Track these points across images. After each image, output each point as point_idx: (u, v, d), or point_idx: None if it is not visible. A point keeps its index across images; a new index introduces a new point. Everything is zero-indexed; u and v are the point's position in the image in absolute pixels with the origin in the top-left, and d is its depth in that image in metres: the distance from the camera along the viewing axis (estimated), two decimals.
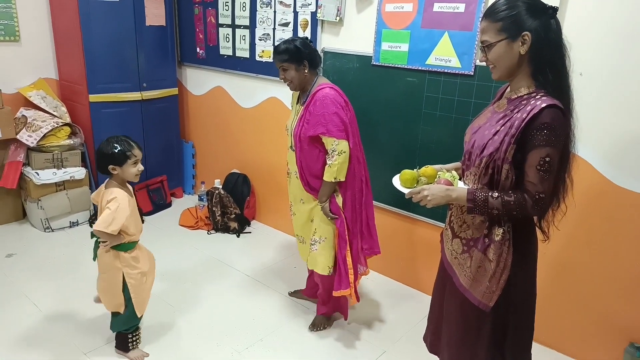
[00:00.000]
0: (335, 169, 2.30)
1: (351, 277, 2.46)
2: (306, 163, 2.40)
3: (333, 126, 2.26)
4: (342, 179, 2.35)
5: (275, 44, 2.32)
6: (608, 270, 2.34)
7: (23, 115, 3.68)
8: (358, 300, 2.55)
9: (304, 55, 2.32)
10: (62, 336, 2.53)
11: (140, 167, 2.22)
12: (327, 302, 2.65)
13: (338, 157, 2.28)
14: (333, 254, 2.48)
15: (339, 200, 2.42)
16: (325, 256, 2.48)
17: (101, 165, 2.18)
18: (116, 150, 2.13)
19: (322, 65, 2.44)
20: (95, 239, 2.24)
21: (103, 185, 2.23)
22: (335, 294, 2.49)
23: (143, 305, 2.35)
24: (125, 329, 2.37)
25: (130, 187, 2.30)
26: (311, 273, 2.72)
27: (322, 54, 3.16)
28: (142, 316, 2.40)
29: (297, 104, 2.50)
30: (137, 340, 2.43)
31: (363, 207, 2.50)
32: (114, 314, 2.35)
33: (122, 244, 2.20)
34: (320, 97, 2.30)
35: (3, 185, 3.60)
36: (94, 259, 2.28)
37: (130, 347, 2.40)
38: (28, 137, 3.55)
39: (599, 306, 2.40)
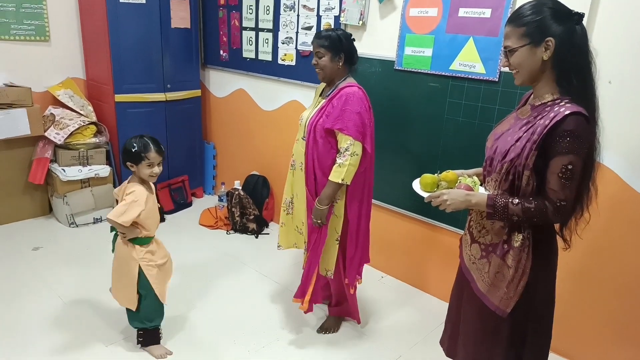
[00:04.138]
0: (344, 169, 2.21)
1: (310, 288, 2.46)
2: (317, 156, 2.30)
3: (353, 125, 2.20)
4: (349, 183, 2.26)
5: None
6: (632, 280, 2.30)
7: (51, 114, 3.77)
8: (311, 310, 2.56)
9: (342, 47, 2.28)
10: (84, 328, 2.59)
11: (156, 170, 2.24)
12: (340, 303, 2.65)
13: (350, 157, 2.20)
14: (335, 257, 2.44)
15: (339, 208, 2.34)
16: (325, 258, 2.45)
17: (123, 159, 2.26)
18: (133, 150, 2.19)
19: (356, 66, 2.41)
20: (114, 232, 2.30)
21: (126, 182, 2.29)
22: (295, 301, 2.52)
23: (164, 296, 2.37)
24: (146, 326, 2.41)
25: (152, 184, 2.35)
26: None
27: None
28: (162, 315, 2.43)
29: (319, 96, 2.45)
30: (159, 337, 2.47)
31: (364, 215, 2.44)
32: (130, 310, 2.38)
33: (139, 239, 2.25)
34: (346, 93, 2.24)
35: (31, 180, 3.71)
36: (113, 251, 2.35)
37: (151, 343, 2.44)
38: (56, 135, 3.64)
39: (622, 317, 2.36)
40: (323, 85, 2.46)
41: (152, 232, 2.30)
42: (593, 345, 2.47)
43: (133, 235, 2.22)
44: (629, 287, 2.31)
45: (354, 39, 2.37)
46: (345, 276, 2.50)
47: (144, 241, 2.28)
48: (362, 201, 2.41)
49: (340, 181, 2.23)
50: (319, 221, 2.32)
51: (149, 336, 2.43)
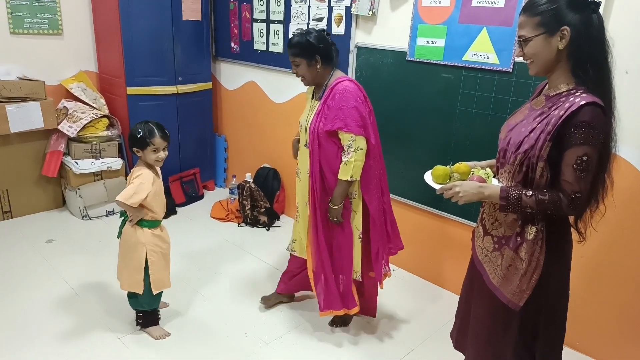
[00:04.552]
0: (351, 166, 2.19)
1: (355, 297, 2.44)
2: (325, 160, 2.27)
3: (352, 121, 2.17)
4: (358, 178, 2.25)
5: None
6: None
7: (64, 107, 3.80)
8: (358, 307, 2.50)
9: (316, 50, 2.21)
10: (97, 320, 2.61)
11: (161, 155, 2.29)
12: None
13: (355, 154, 2.19)
14: (360, 257, 2.41)
15: (357, 204, 2.32)
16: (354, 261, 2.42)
17: (130, 145, 2.31)
18: (138, 136, 2.24)
19: (338, 59, 2.33)
20: (122, 217, 2.36)
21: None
22: (322, 314, 2.48)
23: (160, 284, 2.41)
24: (146, 309, 2.47)
25: (158, 169, 2.40)
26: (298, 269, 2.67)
27: (355, 49, 3.16)
28: (160, 298, 2.50)
29: (312, 99, 2.40)
30: (158, 318, 2.54)
31: (385, 205, 2.41)
32: (131, 294, 2.44)
33: (146, 221, 2.31)
34: (339, 90, 2.20)
35: (45, 173, 3.74)
36: (118, 237, 2.39)
37: (151, 324, 2.50)
38: (69, 128, 3.66)
39: (638, 312, 2.32)
40: (313, 87, 2.42)
41: (159, 215, 2.35)
42: (609, 339, 2.43)
43: (139, 217, 2.28)
44: None
45: (328, 34, 2.30)
46: (371, 269, 2.47)
47: (152, 224, 2.33)
48: (382, 193, 2.39)
49: (349, 178, 2.22)
50: (335, 219, 2.31)
51: (147, 318, 2.50)
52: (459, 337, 1.87)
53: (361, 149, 2.20)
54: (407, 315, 2.82)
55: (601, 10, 2.08)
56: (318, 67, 2.24)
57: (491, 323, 1.65)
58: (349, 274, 2.41)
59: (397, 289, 3.08)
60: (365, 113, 2.22)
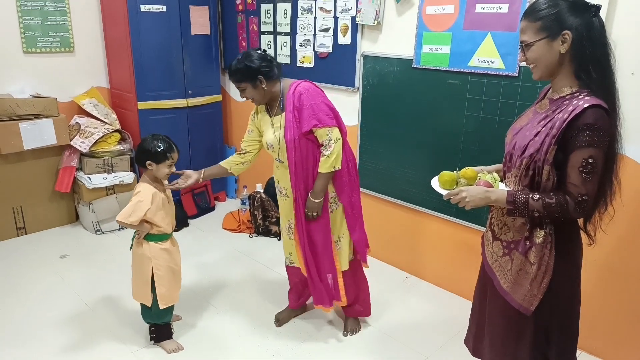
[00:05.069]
0: (333, 157, 2.25)
1: (342, 291, 2.52)
2: (312, 164, 2.30)
3: (324, 115, 2.23)
4: (340, 167, 2.31)
5: (231, 64, 2.27)
6: None
7: (77, 123, 3.87)
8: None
9: (256, 72, 2.22)
10: (111, 335, 2.63)
11: (173, 168, 2.34)
12: (355, 302, 2.65)
13: (335, 144, 2.25)
14: (349, 252, 2.52)
15: (335, 198, 2.40)
16: (346, 251, 2.50)
17: (140, 159, 2.31)
18: (159, 150, 2.26)
19: (281, 71, 2.35)
20: (134, 231, 2.38)
21: None
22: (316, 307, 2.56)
23: (167, 299, 2.41)
24: (157, 322, 2.48)
25: (165, 182, 2.41)
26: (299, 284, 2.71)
27: (362, 58, 3.18)
28: (172, 311, 2.50)
29: (270, 116, 2.38)
30: (171, 332, 2.54)
31: (356, 202, 2.48)
32: (143, 306, 2.46)
33: (154, 235, 2.33)
34: (302, 91, 2.24)
35: (58, 189, 3.80)
36: (131, 248, 2.43)
37: (164, 338, 2.51)
38: (81, 143, 3.72)
39: None
40: (261, 106, 2.44)
41: (165, 229, 2.36)
42: (623, 343, 2.39)
43: (143, 232, 2.31)
44: None
45: (264, 50, 2.32)
46: (356, 252, 2.54)
47: (159, 238, 2.35)
48: (353, 189, 2.44)
49: (332, 169, 2.28)
50: (315, 214, 2.35)
51: (160, 331, 2.51)
52: (476, 344, 1.85)
53: (339, 139, 2.28)
54: (421, 322, 2.80)
55: (604, 13, 2.11)
56: (264, 86, 2.26)
57: (505, 328, 1.64)
58: (334, 272, 2.50)
59: (410, 295, 3.06)
60: (330, 104, 2.30)
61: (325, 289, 2.52)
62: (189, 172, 2.45)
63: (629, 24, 2.11)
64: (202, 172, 2.48)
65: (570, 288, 1.55)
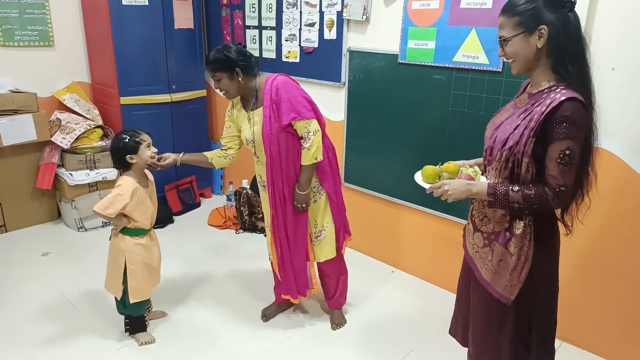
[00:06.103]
0: (314, 149, 2.27)
1: (315, 281, 2.60)
2: (293, 159, 2.32)
3: (302, 107, 2.24)
4: (321, 158, 2.32)
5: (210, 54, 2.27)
6: (638, 265, 2.27)
7: (57, 118, 3.80)
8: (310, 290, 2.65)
9: (234, 64, 2.21)
10: (95, 331, 2.60)
11: (154, 149, 2.33)
12: (342, 293, 2.69)
13: (314, 136, 2.26)
14: (334, 242, 2.55)
15: (319, 187, 2.44)
16: (331, 240, 2.53)
17: (119, 160, 2.30)
18: (127, 140, 2.26)
19: (259, 68, 2.35)
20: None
21: None
22: (285, 297, 2.61)
23: (138, 294, 2.40)
24: (130, 314, 2.48)
25: (151, 176, 2.42)
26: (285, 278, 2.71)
27: (347, 53, 3.17)
28: (146, 306, 2.51)
29: (246, 111, 2.38)
30: (145, 324, 2.55)
31: (339, 192, 2.53)
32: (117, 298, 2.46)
33: (130, 230, 2.32)
34: (279, 85, 2.25)
35: (39, 186, 3.73)
36: (110, 239, 2.41)
37: (137, 330, 2.52)
38: (62, 140, 3.66)
39: (630, 304, 2.33)
40: (236, 100, 2.43)
41: (143, 225, 2.34)
42: (602, 333, 2.44)
43: (120, 225, 2.30)
44: (636, 272, 2.28)
45: (244, 46, 2.32)
46: (337, 239, 2.57)
47: (135, 232, 2.34)
48: (335, 178, 2.49)
49: (314, 161, 2.30)
50: (304, 205, 2.37)
51: (135, 324, 2.52)
52: (465, 334, 1.89)
53: (318, 131, 2.29)
54: (406, 316, 2.82)
55: (585, 10, 2.13)
56: (240, 79, 2.25)
57: (487, 318, 1.68)
58: (307, 261, 2.55)
59: (396, 289, 3.08)
60: (307, 96, 2.32)
61: (295, 279, 2.55)
62: (167, 154, 2.44)
63: (610, 20, 2.14)
64: (181, 154, 2.48)
65: (549, 277, 1.60)
